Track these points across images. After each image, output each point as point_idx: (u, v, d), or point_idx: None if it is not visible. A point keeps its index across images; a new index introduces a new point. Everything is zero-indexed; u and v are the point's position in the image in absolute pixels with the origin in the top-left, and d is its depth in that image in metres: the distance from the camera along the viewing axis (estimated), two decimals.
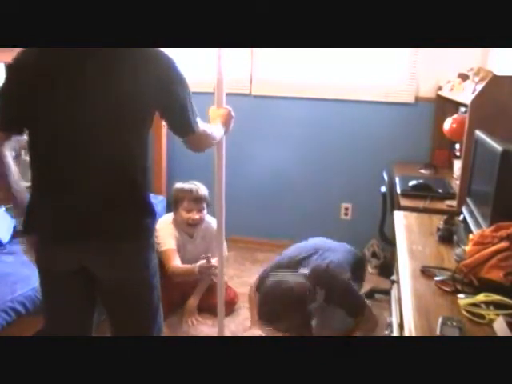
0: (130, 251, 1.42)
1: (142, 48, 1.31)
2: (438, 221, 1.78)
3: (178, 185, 2.65)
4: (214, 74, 1.83)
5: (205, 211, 2.61)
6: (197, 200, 2.56)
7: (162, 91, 1.34)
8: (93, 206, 1.35)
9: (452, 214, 1.84)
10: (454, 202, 2.24)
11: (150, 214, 1.45)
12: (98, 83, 1.29)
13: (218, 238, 2.01)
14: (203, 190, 2.60)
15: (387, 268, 2.82)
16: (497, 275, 1.23)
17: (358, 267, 2.53)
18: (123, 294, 1.47)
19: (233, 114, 1.80)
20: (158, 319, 1.55)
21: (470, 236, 1.45)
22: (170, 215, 2.68)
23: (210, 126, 1.60)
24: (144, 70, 1.31)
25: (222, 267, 2.02)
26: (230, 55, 3.20)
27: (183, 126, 1.41)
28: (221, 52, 1.80)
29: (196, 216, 2.56)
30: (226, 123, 1.77)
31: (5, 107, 1.35)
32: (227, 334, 2.34)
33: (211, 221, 2.58)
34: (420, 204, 2.29)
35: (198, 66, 3.42)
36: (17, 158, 2.69)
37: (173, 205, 2.64)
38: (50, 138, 1.34)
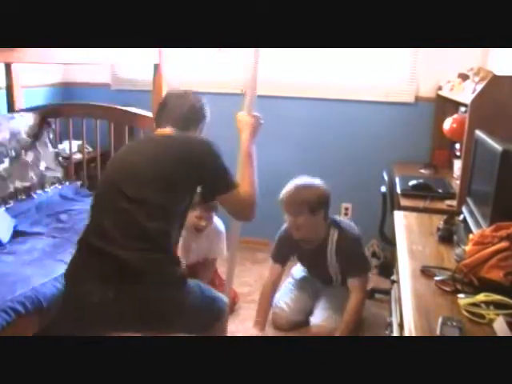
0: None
1: (184, 136, 1.68)
2: (438, 221, 1.78)
3: None
4: (241, 75, 1.79)
5: (213, 218, 2.64)
6: (207, 209, 2.59)
7: (201, 168, 1.61)
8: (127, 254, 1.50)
9: (452, 214, 1.84)
10: (454, 202, 2.23)
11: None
12: (151, 161, 1.60)
13: (232, 243, 2.13)
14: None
15: (387, 268, 2.82)
16: (497, 275, 1.23)
17: None
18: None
19: (262, 121, 1.79)
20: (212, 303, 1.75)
21: (470, 236, 1.45)
22: None
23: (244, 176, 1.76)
24: (184, 152, 1.61)
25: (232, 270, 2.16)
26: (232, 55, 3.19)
27: (225, 181, 1.63)
28: (258, 57, 1.77)
29: (203, 223, 2.59)
30: (254, 133, 1.78)
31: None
32: (227, 333, 2.33)
33: (216, 221, 2.63)
34: (420, 204, 2.29)
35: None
36: (17, 157, 2.69)
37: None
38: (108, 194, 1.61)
